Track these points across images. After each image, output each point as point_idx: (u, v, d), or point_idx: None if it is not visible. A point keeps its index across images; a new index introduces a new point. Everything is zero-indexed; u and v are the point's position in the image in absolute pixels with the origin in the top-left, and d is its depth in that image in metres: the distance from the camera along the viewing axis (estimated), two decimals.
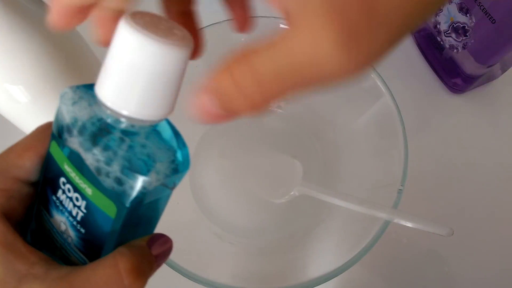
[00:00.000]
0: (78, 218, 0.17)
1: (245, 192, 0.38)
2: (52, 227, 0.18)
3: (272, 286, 0.30)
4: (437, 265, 0.37)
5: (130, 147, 0.16)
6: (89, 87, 0.17)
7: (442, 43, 0.43)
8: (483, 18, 0.36)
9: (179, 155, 0.17)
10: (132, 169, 0.15)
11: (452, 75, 0.44)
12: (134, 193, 0.16)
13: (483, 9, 0.36)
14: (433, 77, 0.46)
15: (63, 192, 0.17)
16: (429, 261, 0.38)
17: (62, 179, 0.17)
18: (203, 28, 0.35)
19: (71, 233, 0.18)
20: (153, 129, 0.17)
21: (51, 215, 0.18)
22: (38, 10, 0.28)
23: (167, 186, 0.17)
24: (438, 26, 0.43)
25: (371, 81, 0.34)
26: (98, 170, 0.16)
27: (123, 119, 0.16)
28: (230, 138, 0.41)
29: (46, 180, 0.18)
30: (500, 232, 0.39)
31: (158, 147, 0.16)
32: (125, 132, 0.16)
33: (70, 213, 0.17)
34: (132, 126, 0.16)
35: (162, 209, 0.18)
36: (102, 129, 0.16)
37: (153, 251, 0.18)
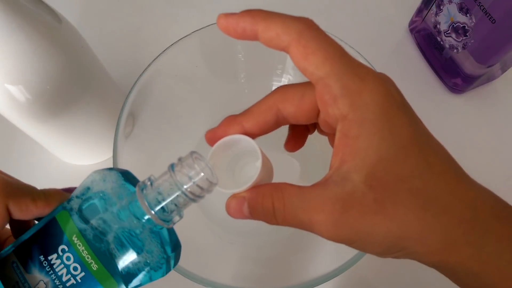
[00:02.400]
0: (68, 284, 0.18)
1: None
2: (25, 281, 0.19)
3: (272, 286, 0.30)
4: None
5: (154, 242, 0.18)
6: (126, 179, 0.19)
7: (442, 43, 0.43)
8: (483, 18, 0.36)
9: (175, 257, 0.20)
10: (149, 265, 0.18)
11: (452, 75, 0.44)
12: (139, 282, 0.18)
13: (483, 9, 0.36)
14: (433, 77, 0.46)
15: (58, 257, 0.18)
16: None
17: (63, 247, 0.18)
18: (204, 28, 0.35)
19: None
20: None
21: (27, 271, 0.19)
22: (38, 10, 0.28)
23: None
24: (438, 26, 0.43)
25: None
26: (114, 255, 0.18)
27: (151, 217, 0.18)
28: None
29: (37, 239, 0.19)
30: None
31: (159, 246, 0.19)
32: (151, 229, 0.18)
33: (59, 277, 0.18)
34: (156, 225, 0.18)
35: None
36: (131, 221, 0.18)
37: None
